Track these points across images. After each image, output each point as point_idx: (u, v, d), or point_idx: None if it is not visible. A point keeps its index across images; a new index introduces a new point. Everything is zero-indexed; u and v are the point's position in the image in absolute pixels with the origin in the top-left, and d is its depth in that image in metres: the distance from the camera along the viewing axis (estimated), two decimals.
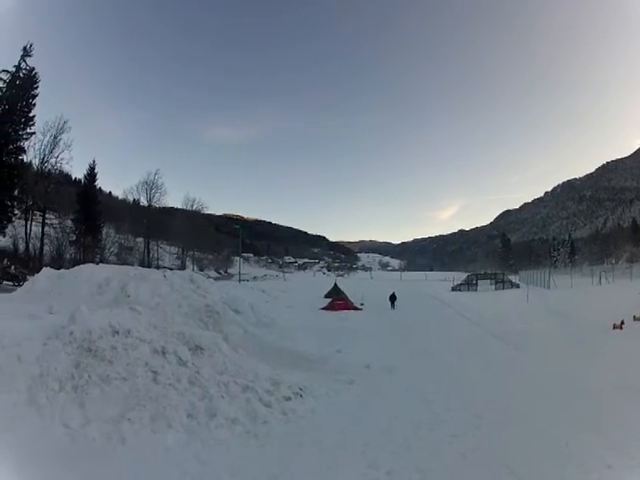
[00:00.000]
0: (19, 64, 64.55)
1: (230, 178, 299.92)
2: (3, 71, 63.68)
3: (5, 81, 63.69)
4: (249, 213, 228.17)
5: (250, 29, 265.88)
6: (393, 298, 45.01)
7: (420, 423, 10.78)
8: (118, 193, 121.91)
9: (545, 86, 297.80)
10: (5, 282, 41.67)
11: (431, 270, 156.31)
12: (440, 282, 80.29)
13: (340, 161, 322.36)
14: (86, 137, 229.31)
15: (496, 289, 65.63)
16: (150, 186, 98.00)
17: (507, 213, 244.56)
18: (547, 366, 18.20)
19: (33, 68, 65.94)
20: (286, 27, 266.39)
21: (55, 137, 70.09)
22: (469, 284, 69.06)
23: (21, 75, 64.99)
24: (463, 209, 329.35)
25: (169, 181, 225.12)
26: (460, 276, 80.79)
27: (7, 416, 9.49)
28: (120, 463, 8.42)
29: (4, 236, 64.18)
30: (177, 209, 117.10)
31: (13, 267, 45.96)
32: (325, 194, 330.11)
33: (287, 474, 8.15)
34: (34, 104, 66.91)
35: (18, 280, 41.99)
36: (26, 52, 64.91)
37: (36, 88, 66.65)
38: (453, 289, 68.13)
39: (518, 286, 65.11)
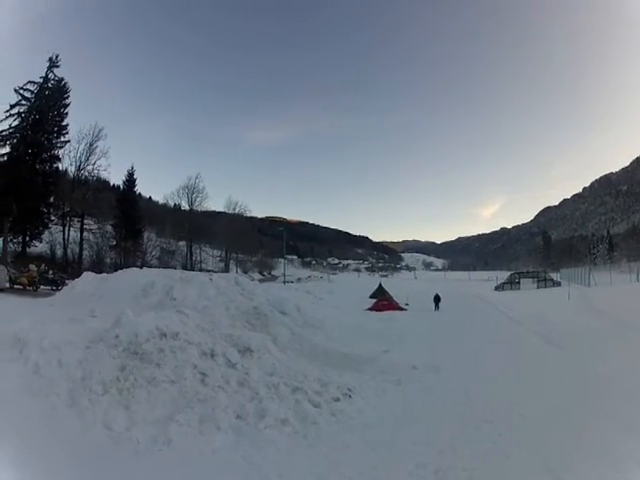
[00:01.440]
0: (46, 75, 66.17)
1: (272, 181, 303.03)
2: (30, 82, 65.18)
3: (33, 92, 64.89)
4: (292, 215, 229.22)
5: (278, 34, 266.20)
6: (437, 299, 44.50)
7: (466, 422, 10.76)
8: (158, 198, 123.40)
9: (580, 80, 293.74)
10: (43, 287, 41.88)
11: (474, 269, 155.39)
12: (483, 282, 79.95)
13: (381, 160, 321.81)
14: (125, 143, 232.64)
15: (538, 287, 65.24)
16: (191, 190, 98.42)
17: (547, 210, 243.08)
18: (591, 365, 17.80)
19: (62, 78, 67.66)
20: (312, 31, 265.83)
21: (91, 145, 71.40)
22: (512, 283, 68.82)
23: (49, 85, 66.57)
24: (504, 206, 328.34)
25: (210, 185, 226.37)
26: (503, 275, 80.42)
27: (45, 419, 9.52)
28: (164, 464, 8.41)
29: (40, 242, 65.21)
30: (219, 213, 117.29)
31: (51, 272, 46.26)
32: (368, 194, 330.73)
33: (335, 474, 8.11)
34: (66, 113, 68.60)
35: (57, 285, 42.20)
36: (52, 63, 66.44)
37: (67, 98, 68.44)
38: (496, 288, 68.16)
39: (559, 284, 64.65)
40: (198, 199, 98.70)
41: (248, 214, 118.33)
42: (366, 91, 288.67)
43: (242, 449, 9.01)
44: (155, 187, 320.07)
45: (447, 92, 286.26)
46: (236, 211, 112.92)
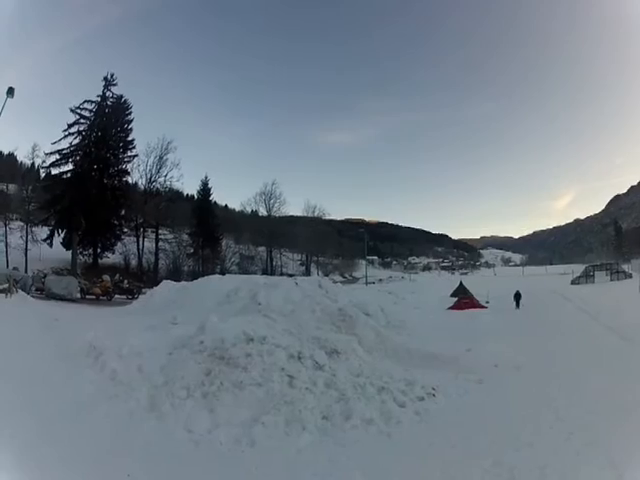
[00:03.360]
0: (103, 93, 68.46)
1: (348, 182, 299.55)
2: (86, 101, 67.30)
3: (91, 110, 66.81)
4: (371, 216, 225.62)
5: (347, 36, 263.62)
6: (518, 297, 43.02)
7: (542, 421, 10.80)
8: (235, 205, 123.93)
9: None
10: (118, 296, 42.66)
11: (551, 264, 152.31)
12: (559, 276, 78.46)
13: (456, 154, 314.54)
14: (198, 154, 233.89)
15: (611, 280, 63.44)
16: (268, 196, 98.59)
17: (617, 198, 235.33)
18: None
19: (121, 96, 70.12)
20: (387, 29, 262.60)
21: (160, 157, 73.52)
22: (587, 276, 67.10)
23: (108, 103, 68.71)
24: (576, 197, 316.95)
25: (287, 190, 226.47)
26: (578, 268, 78.56)
27: (122, 423, 9.82)
28: (246, 465, 8.55)
29: (113, 253, 66.92)
30: (298, 217, 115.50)
31: (126, 281, 47.14)
32: (445, 190, 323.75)
33: (417, 472, 8.23)
34: (130, 129, 71.28)
35: (132, 294, 43.16)
36: (108, 82, 68.66)
37: (129, 114, 70.76)
38: (572, 282, 66.27)
39: (630, 276, 62.75)
40: (276, 205, 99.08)
41: (327, 217, 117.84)
42: (437, 86, 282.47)
43: (327, 449, 9.13)
44: (230, 195, 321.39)
45: (519, 85, 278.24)
46: (315, 214, 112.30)
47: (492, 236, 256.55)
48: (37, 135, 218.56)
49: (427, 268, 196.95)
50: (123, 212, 68.83)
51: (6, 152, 79.24)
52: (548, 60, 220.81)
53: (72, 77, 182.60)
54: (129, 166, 70.55)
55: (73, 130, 65.76)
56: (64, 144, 65.38)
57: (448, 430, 10.14)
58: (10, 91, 29.17)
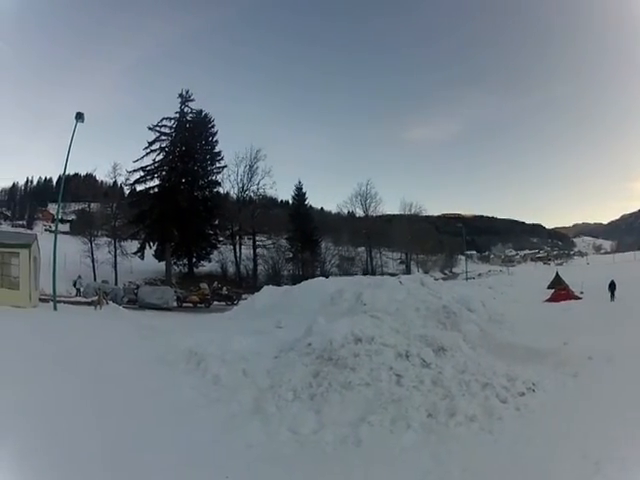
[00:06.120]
0: (181, 109, 71.29)
1: (442, 177, 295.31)
2: (164, 119, 70.49)
3: (170, 127, 70.11)
4: (467, 210, 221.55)
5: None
6: (612, 287, 40.15)
7: (631, 414, 10.53)
8: (331, 208, 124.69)
9: None
10: (217, 303, 43.66)
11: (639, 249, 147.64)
12: None
13: (545, 140, 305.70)
14: (290, 159, 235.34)
15: None
16: (364, 197, 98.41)
17: None
18: None
19: (201, 110, 73.19)
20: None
21: (251, 166, 75.35)
22: None
23: (188, 119, 71.44)
24: None
25: (381, 189, 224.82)
26: None
27: (222, 426, 10.31)
28: (350, 464, 8.85)
29: (209, 261, 68.77)
30: (395, 215, 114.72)
31: (225, 288, 48.17)
32: (536, 178, 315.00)
33: (516, 467, 8.40)
34: (216, 141, 74.36)
35: (232, 300, 44.21)
36: (184, 98, 71.59)
37: (212, 127, 73.36)
38: None
39: None
40: (372, 205, 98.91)
41: (424, 213, 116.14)
42: (522, 72, 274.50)
43: (430, 446, 9.31)
44: (325, 197, 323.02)
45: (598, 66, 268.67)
46: (412, 212, 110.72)
47: (584, 223, 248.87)
48: (114, 155, 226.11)
49: (524, 260, 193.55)
50: (217, 222, 70.63)
51: (83, 173, 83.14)
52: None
53: (145, 95, 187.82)
54: (219, 177, 72.64)
55: (155, 147, 69.00)
56: (147, 161, 69.00)
57: (545, 425, 10.22)
58: (79, 116, 30.11)
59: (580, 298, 41.15)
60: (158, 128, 69.44)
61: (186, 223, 63.55)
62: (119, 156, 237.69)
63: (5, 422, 9.13)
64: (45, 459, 7.94)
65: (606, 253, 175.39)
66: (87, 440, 8.92)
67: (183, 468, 8.45)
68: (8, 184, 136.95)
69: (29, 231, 79.09)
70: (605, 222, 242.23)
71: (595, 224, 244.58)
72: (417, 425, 10.06)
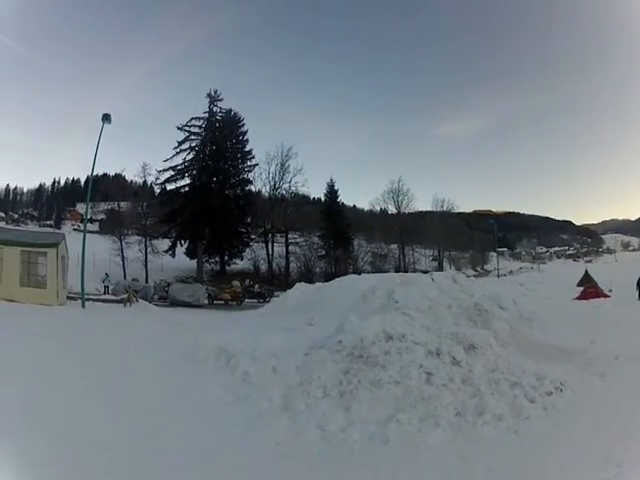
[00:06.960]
0: (210, 109, 73.13)
1: (473, 173, 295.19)
2: (193, 119, 72.55)
3: (200, 127, 72.15)
4: (498, 206, 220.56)
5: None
6: None
7: None
8: (363, 205, 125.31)
9: None
10: (249, 300, 43.93)
11: None
12: None
13: (572, 136, 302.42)
14: (322, 157, 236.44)
15: None
16: (396, 194, 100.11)
17: None
18: None
19: (230, 109, 75.01)
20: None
21: (282, 164, 77.33)
22: None
23: (217, 118, 73.38)
24: None
25: (413, 185, 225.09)
26: None
27: (251, 423, 10.43)
28: (377, 462, 8.90)
29: (242, 259, 69.35)
30: (427, 212, 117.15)
31: (257, 286, 48.50)
32: (566, 174, 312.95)
33: (537, 469, 8.37)
34: (246, 140, 76.49)
35: (264, 297, 44.69)
36: (213, 98, 73.45)
37: (242, 126, 75.19)
38: None
39: None
40: (404, 201, 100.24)
41: (456, 210, 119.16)
42: (551, 67, 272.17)
43: (457, 445, 9.32)
44: (357, 194, 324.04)
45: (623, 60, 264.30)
46: (444, 208, 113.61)
47: (612, 219, 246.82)
48: (143, 155, 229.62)
49: (555, 256, 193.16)
50: (249, 220, 71.30)
51: (112, 173, 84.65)
52: None
53: (171, 95, 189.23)
54: (250, 175, 73.85)
55: (184, 147, 71.32)
56: (177, 160, 71.33)
57: (571, 426, 10.15)
58: (106, 117, 30.74)
59: (609, 296, 40.89)
60: (187, 128, 71.76)
61: (218, 221, 64.68)
62: (148, 156, 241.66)
63: (35, 417, 9.45)
64: (72, 453, 8.26)
65: (634, 250, 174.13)
66: (113, 436, 9.15)
67: (208, 465, 8.55)
68: (35, 185, 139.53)
69: (57, 231, 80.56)
70: (633, 218, 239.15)
71: (623, 220, 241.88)
72: (445, 424, 10.07)
